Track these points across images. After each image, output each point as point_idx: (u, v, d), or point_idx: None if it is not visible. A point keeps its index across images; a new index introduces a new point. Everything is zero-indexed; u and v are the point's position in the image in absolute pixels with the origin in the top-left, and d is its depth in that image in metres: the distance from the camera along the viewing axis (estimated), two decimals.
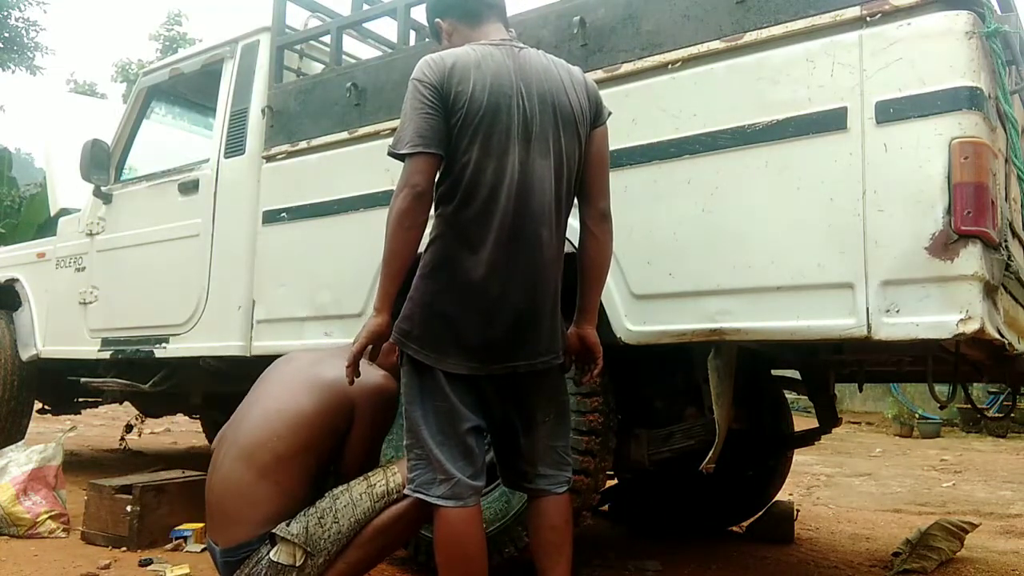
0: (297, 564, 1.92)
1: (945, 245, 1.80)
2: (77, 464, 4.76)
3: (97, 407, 5.41)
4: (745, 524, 3.56)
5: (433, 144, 1.77)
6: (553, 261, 1.86)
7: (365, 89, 2.97)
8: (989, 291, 1.82)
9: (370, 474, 2.05)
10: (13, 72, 15.30)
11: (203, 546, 2.76)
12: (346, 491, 2.00)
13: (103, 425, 7.47)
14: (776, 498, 3.54)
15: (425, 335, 1.80)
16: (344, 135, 3.02)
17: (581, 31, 2.43)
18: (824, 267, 1.96)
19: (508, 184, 1.78)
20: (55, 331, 4.11)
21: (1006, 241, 1.95)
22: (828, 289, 1.95)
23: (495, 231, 1.77)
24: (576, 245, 1.97)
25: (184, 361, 3.57)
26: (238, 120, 3.42)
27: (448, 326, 1.78)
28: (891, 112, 1.89)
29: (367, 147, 2.93)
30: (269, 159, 3.30)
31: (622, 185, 2.26)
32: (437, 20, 2.03)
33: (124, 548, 2.82)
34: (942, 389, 2.70)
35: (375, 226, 2.81)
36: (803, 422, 3.69)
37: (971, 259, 1.78)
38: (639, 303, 2.24)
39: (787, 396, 3.57)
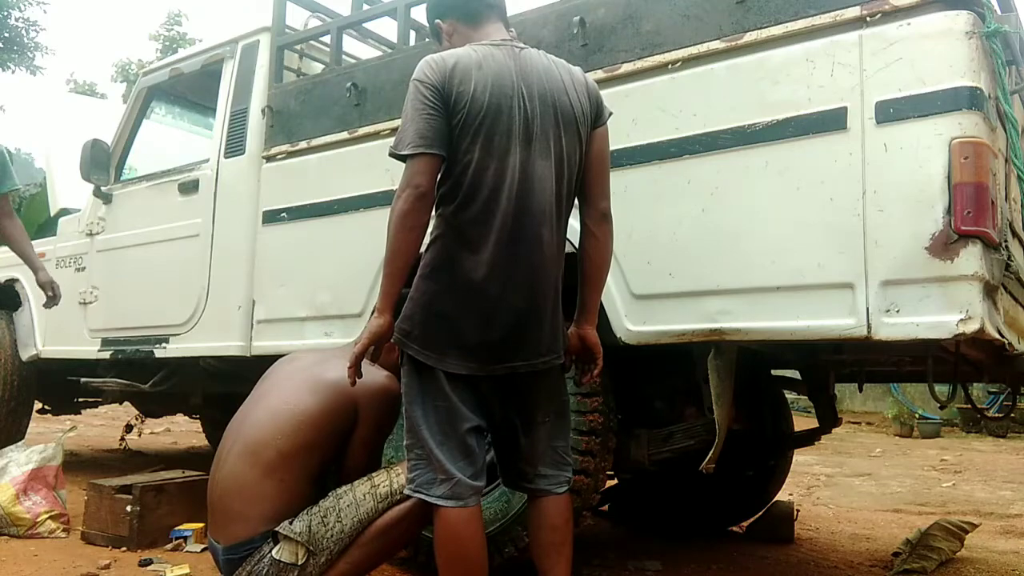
0: (299, 562, 1.92)
1: (945, 245, 1.80)
2: (77, 464, 4.76)
3: (97, 407, 5.41)
4: (745, 524, 3.56)
5: (435, 145, 1.77)
6: (554, 261, 1.86)
7: (365, 89, 2.97)
8: (989, 291, 1.82)
9: (374, 475, 2.05)
10: (13, 72, 15.32)
11: (203, 546, 2.76)
12: (350, 491, 2.01)
13: (103, 425, 7.47)
14: (776, 498, 3.54)
15: (425, 335, 1.80)
16: (344, 135, 3.02)
17: (581, 31, 2.43)
18: (824, 267, 1.96)
19: (509, 185, 1.78)
20: (55, 331, 4.11)
21: (1006, 241, 1.95)
22: (828, 289, 1.95)
23: (496, 232, 1.77)
24: (576, 245, 1.97)
25: (184, 361, 3.57)
26: (238, 120, 3.42)
27: (448, 326, 1.79)
28: (891, 112, 1.89)
29: (367, 147, 2.93)
30: (269, 159, 3.30)
31: (622, 185, 2.26)
32: (437, 21, 2.03)
33: (124, 548, 2.82)
34: (942, 389, 2.70)
35: (375, 226, 2.82)
36: (803, 422, 3.69)
37: (971, 259, 1.78)
38: (639, 303, 2.24)
39: (787, 396, 3.57)
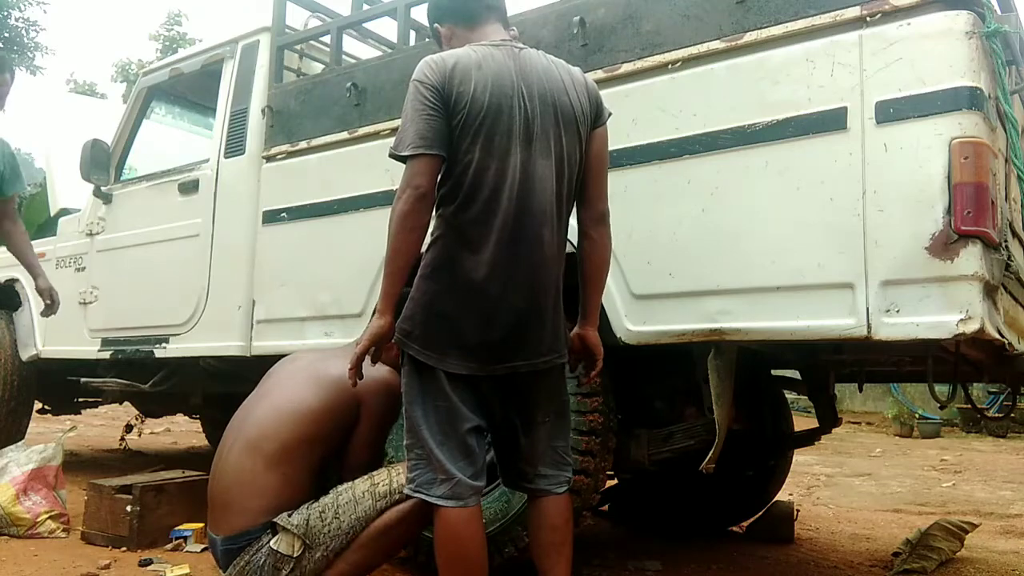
0: (295, 555, 1.94)
1: (945, 245, 1.80)
2: (77, 464, 4.76)
3: (97, 407, 5.40)
4: (745, 524, 3.56)
5: (435, 145, 1.77)
6: (554, 261, 1.86)
7: (365, 89, 2.97)
8: (989, 291, 1.82)
9: (374, 473, 2.06)
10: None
11: (203, 546, 2.76)
12: (350, 488, 2.01)
13: (103, 425, 7.47)
14: (776, 498, 3.54)
15: (426, 335, 1.80)
16: (344, 135, 3.02)
17: (581, 31, 2.43)
18: (824, 267, 1.96)
19: (510, 185, 1.78)
20: (55, 331, 4.11)
21: (1006, 241, 1.95)
22: (828, 289, 1.95)
23: (496, 232, 1.77)
24: (576, 245, 1.97)
25: (184, 361, 3.57)
26: (238, 120, 3.42)
27: (449, 327, 1.79)
28: (891, 112, 1.89)
29: (367, 147, 2.93)
30: (269, 159, 3.30)
31: (622, 185, 2.26)
32: (436, 25, 2.04)
33: (124, 548, 2.82)
34: (942, 389, 2.70)
35: (375, 226, 2.82)
36: (803, 422, 3.69)
37: (971, 259, 1.78)
38: (639, 303, 2.24)
39: (787, 396, 3.57)
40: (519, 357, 1.81)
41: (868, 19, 1.96)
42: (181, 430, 7.49)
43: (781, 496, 3.64)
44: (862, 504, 4.79)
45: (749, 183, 2.09)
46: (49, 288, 3.44)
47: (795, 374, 3.15)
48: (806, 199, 2.00)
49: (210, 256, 3.43)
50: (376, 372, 2.07)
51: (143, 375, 3.77)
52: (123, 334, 3.77)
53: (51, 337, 4.14)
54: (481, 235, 1.78)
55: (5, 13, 15.04)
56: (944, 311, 1.80)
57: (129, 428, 5.72)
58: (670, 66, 2.26)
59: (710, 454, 2.24)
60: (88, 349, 3.89)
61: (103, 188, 3.92)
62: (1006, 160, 2.08)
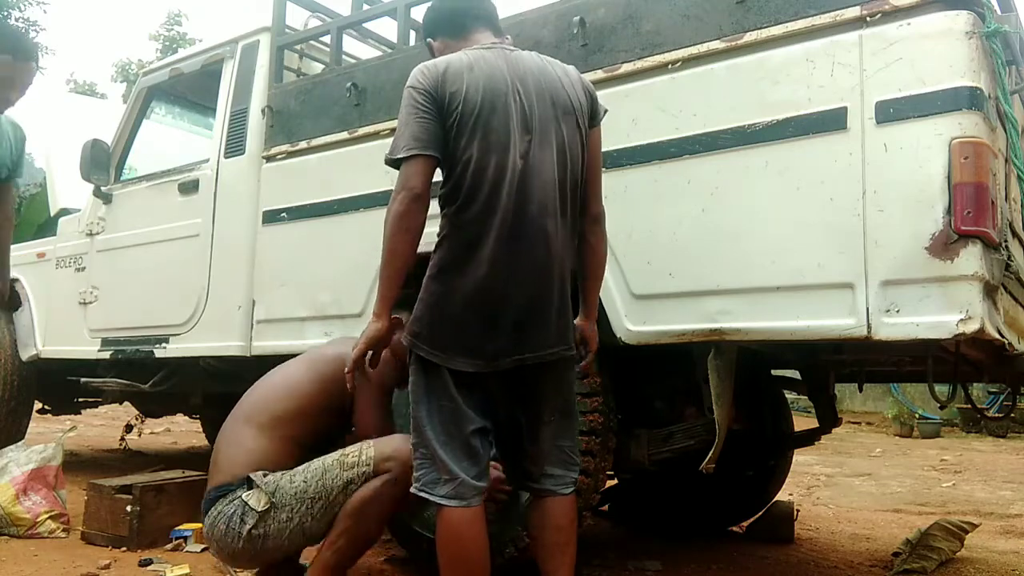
0: (260, 509, 2.05)
1: (945, 245, 1.80)
2: (77, 464, 4.76)
3: (97, 407, 5.40)
4: (745, 524, 3.56)
5: (429, 146, 1.79)
6: (560, 253, 1.85)
7: (365, 89, 2.97)
8: (989, 291, 1.82)
9: (348, 448, 2.13)
10: None
11: (203, 546, 2.76)
12: (321, 459, 2.11)
13: (103, 425, 7.47)
14: (776, 498, 3.54)
15: (433, 336, 1.80)
16: (344, 135, 3.02)
17: (581, 31, 2.43)
18: (824, 267, 1.96)
19: (510, 180, 1.79)
20: (55, 331, 4.11)
21: (1006, 241, 1.95)
22: (828, 289, 1.95)
23: (496, 229, 1.77)
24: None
25: (184, 361, 3.57)
26: (238, 120, 3.42)
27: (455, 326, 1.79)
28: (891, 112, 1.89)
29: (367, 147, 2.93)
30: (269, 159, 3.30)
31: (622, 185, 2.26)
32: (429, 40, 2.09)
33: (124, 548, 2.82)
34: (942, 389, 2.70)
35: (375, 226, 2.81)
36: (803, 422, 3.69)
37: (971, 259, 1.78)
38: (639, 303, 2.24)
39: (787, 396, 3.57)
40: (526, 350, 1.81)
41: (868, 19, 1.96)
42: (181, 430, 7.50)
43: (781, 496, 3.64)
44: (862, 504, 4.79)
45: (749, 183, 2.09)
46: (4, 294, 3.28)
47: (795, 374, 3.15)
48: (806, 199, 2.00)
49: (210, 256, 3.43)
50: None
51: (143, 375, 3.77)
52: (123, 334, 3.76)
53: (51, 337, 4.14)
54: (482, 233, 1.78)
55: (5, 13, 15.03)
56: (944, 311, 1.80)
57: (129, 428, 5.72)
58: (670, 66, 2.26)
59: (710, 454, 2.24)
60: (88, 349, 3.89)
61: (103, 188, 3.92)
62: (1006, 160, 2.08)
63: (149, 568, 2.61)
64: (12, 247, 3.55)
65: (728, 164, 2.12)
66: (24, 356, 4.20)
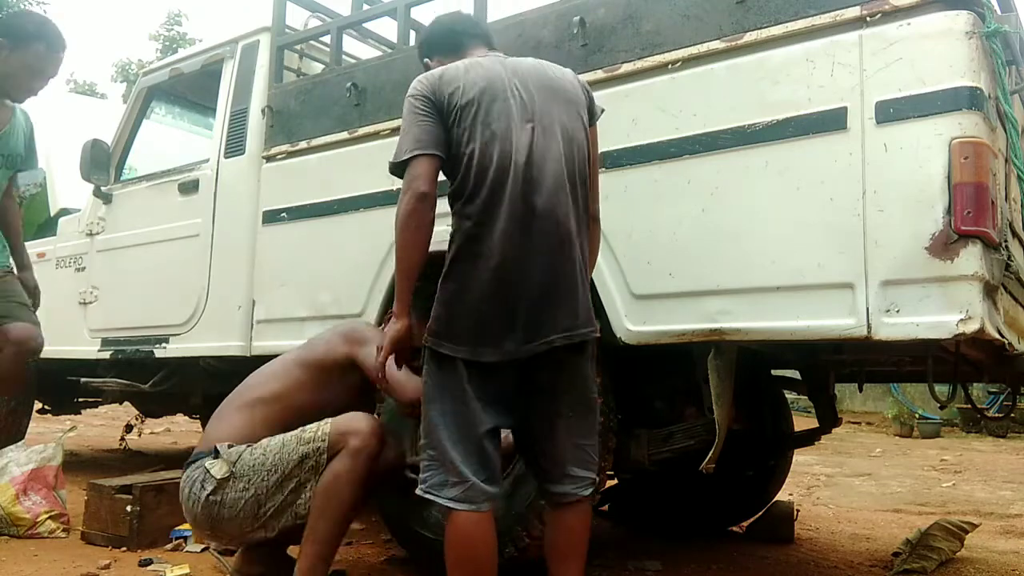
0: (219, 477, 2.15)
1: (945, 245, 1.80)
2: (77, 464, 4.76)
3: (97, 407, 5.40)
4: (745, 524, 3.56)
5: (430, 146, 1.82)
6: (575, 235, 1.84)
7: (365, 89, 2.97)
8: (989, 291, 1.82)
9: (308, 425, 2.20)
10: None
11: (203, 546, 2.76)
12: (282, 434, 2.21)
13: (103, 425, 7.47)
14: (776, 498, 3.54)
15: (456, 331, 1.79)
16: (344, 135, 3.02)
17: (581, 31, 2.43)
18: (824, 267, 1.96)
19: (515, 168, 1.80)
20: (55, 331, 4.10)
21: (1006, 241, 1.95)
22: (828, 289, 1.95)
23: (505, 215, 1.77)
24: None
25: (184, 361, 3.57)
26: (238, 120, 3.42)
27: (476, 318, 1.78)
28: (891, 112, 1.89)
29: (367, 147, 2.94)
30: (269, 159, 3.30)
31: (622, 185, 2.26)
32: (426, 61, 2.14)
33: (124, 548, 2.81)
34: (942, 389, 2.70)
35: (375, 226, 2.83)
36: (803, 422, 3.69)
37: (971, 259, 1.78)
38: (639, 303, 2.24)
39: (787, 396, 3.57)
40: (553, 331, 1.79)
41: (868, 19, 1.96)
42: (181, 430, 7.50)
43: (781, 496, 3.64)
44: (862, 504, 4.79)
45: (749, 183, 2.09)
46: (36, 287, 3.23)
47: (795, 374, 3.15)
48: (806, 199, 2.00)
49: (210, 256, 3.43)
50: (357, 332, 2.31)
51: (143, 375, 3.77)
52: (123, 334, 3.77)
53: (51, 337, 4.12)
54: (491, 221, 1.77)
55: (5, 13, 15.03)
56: (944, 311, 1.80)
57: (129, 428, 5.72)
58: (670, 66, 2.26)
59: (710, 454, 2.24)
60: (88, 349, 3.89)
61: (103, 188, 3.92)
62: (1006, 160, 2.08)
63: (149, 568, 2.61)
64: None
65: (728, 164, 2.12)
66: None
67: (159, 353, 3.59)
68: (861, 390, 3.44)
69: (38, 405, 4.70)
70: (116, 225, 3.91)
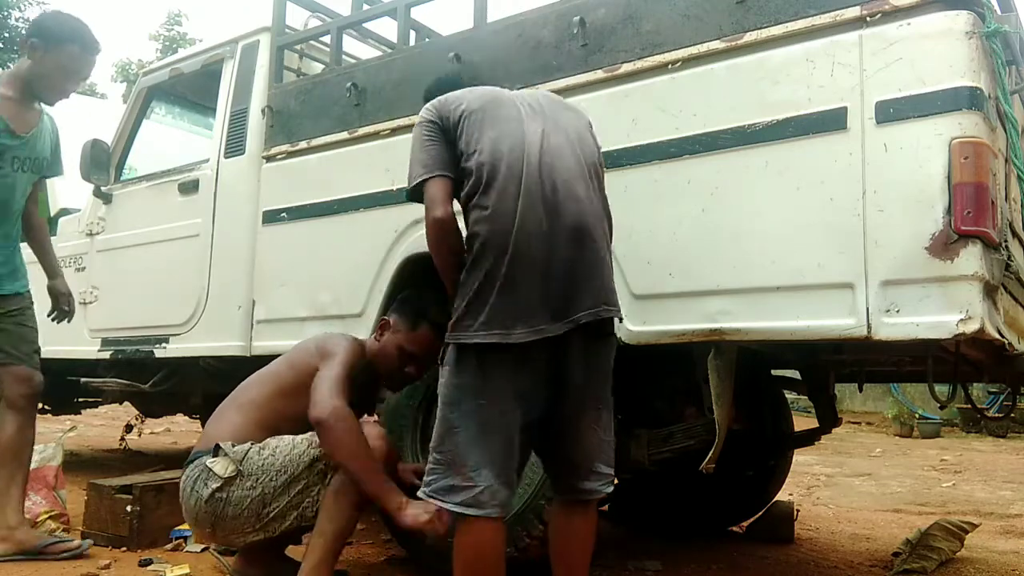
0: (225, 475, 2.16)
1: (945, 245, 1.80)
2: (77, 464, 4.76)
3: (97, 407, 5.41)
4: (745, 524, 3.56)
5: (436, 168, 1.86)
6: (594, 217, 1.85)
7: (365, 89, 2.97)
8: (989, 291, 1.82)
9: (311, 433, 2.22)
10: None
11: (203, 546, 2.76)
12: (292, 436, 2.25)
13: (103, 425, 7.47)
14: (776, 498, 3.54)
15: (484, 317, 1.75)
16: (344, 135, 3.02)
17: (581, 31, 2.43)
18: (824, 267, 1.95)
19: (528, 155, 1.82)
20: (55, 331, 4.09)
21: (1006, 241, 1.95)
22: (828, 289, 1.95)
23: (522, 202, 1.77)
24: None
25: (184, 361, 3.57)
26: (238, 120, 3.42)
27: (506, 301, 1.75)
28: (891, 112, 1.89)
29: (367, 147, 2.94)
30: (269, 159, 3.30)
31: (622, 185, 2.26)
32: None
33: (124, 548, 2.82)
34: (942, 389, 2.70)
35: (375, 226, 2.83)
36: (803, 422, 3.69)
37: (971, 259, 1.78)
38: (639, 303, 2.24)
39: (787, 396, 3.57)
40: (581, 307, 1.78)
41: (868, 19, 1.96)
42: (181, 430, 7.50)
43: (781, 496, 3.64)
44: (862, 504, 4.79)
45: (749, 183, 2.09)
46: (68, 293, 3.08)
47: (795, 374, 3.15)
48: (806, 199, 2.00)
49: (210, 256, 3.43)
50: (328, 345, 2.33)
51: (143, 375, 3.77)
52: (123, 334, 3.76)
53: (51, 337, 4.11)
54: (509, 209, 1.76)
55: (5, 13, 15.05)
56: (944, 311, 1.80)
57: (129, 428, 5.72)
58: (670, 66, 2.26)
59: (710, 454, 2.24)
60: (88, 349, 3.89)
61: (103, 188, 3.92)
62: (1006, 160, 2.08)
63: (149, 568, 2.61)
64: None
65: (728, 164, 2.12)
66: None
67: (159, 353, 3.59)
68: (861, 390, 3.44)
69: (38, 405, 4.69)
70: (116, 225, 3.91)
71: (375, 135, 2.91)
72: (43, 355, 4.08)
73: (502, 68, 2.59)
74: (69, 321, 3.13)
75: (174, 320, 3.51)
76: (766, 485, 3.46)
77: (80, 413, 5.33)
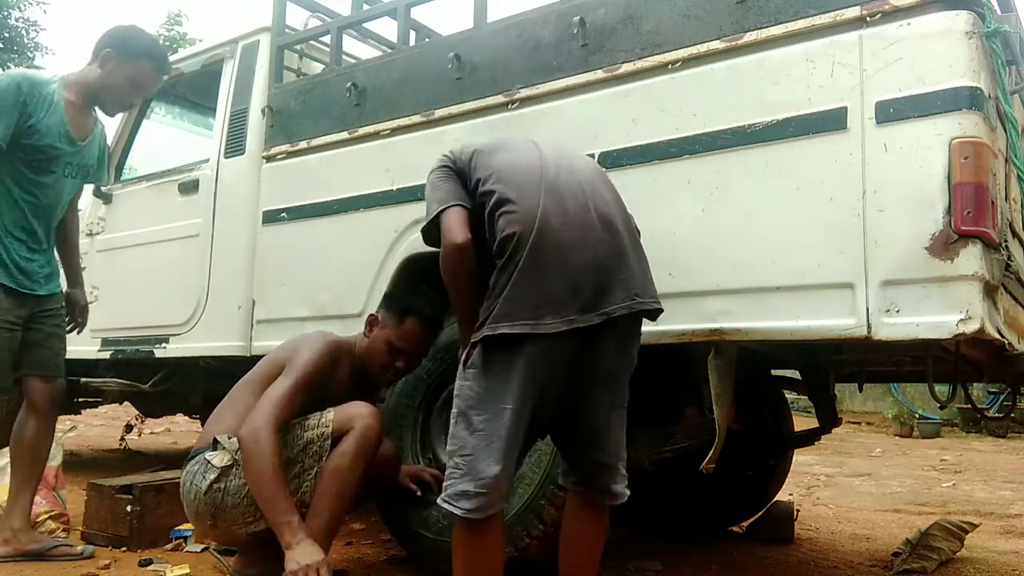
0: (221, 466, 2.21)
1: (945, 245, 1.80)
2: (77, 464, 4.76)
3: (97, 407, 5.40)
4: (745, 524, 3.56)
5: (451, 199, 1.87)
6: (620, 211, 1.90)
7: (365, 89, 2.97)
8: (989, 291, 1.82)
9: (309, 415, 2.27)
10: None
11: (203, 546, 2.76)
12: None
13: (103, 425, 7.47)
14: (776, 498, 3.54)
15: (515, 308, 1.73)
16: (344, 135, 3.02)
17: (581, 31, 2.43)
18: (824, 267, 1.95)
19: (544, 168, 1.86)
20: None
21: (1006, 241, 1.95)
22: (828, 289, 1.95)
23: (544, 206, 1.78)
24: None
25: (184, 361, 3.57)
26: (238, 120, 3.43)
27: (536, 290, 1.74)
28: (891, 112, 1.89)
29: (367, 147, 2.94)
30: (269, 159, 3.30)
31: (622, 185, 2.24)
32: None
33: (124, 548, 2.82)
34: (942, 389, 2.70)
35: (375, 226, 2.83)
36: (803, 422, 3.69)
37: (971, 259, 1.78)
38: None
39: (787, 396, 3.57)
40: (615, 299, 1.78)
41: (868, 19, 1.96)
42: (181, 430, 7.49)
43: (781, 496, 3.64)
44: (862, 504, 4.79)
45: (749, 183, 2.09)
46: (86, 306, 3.03)
47: (795, 374, 3.15)
48: (806, 199, 2.00)
49: (210, 256, 3.43)
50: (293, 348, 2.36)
51: (143, 375, 3.77)
52: (123, 334, 3.76)
53: None
54: (532, 213, 1.77)
55: (5, 13, 15.04)
56: (944, 311, 1.80)
57: (129, 428, 5.72)
58: (670, 66, 2.26)
59: (710, 454, 2.24)
60: (88, 349, 3.89)
61: (103, 188, 3.92)
62: (1006, 160, 2.08)
63: (149, 568, 2.61)
64: None
65: (728, 164, 2.12)
66: None
67: (159, 353, 3.59)
68: (861, 390, 3.44)
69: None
70: (116, 225, 3.91)
71: (375, 135, 2.91)
72: None
73: (502, 68, 2.60)
74: (79, 333, 3.12)
75: (174, 320, 3.51)
76: (766, 485, 3.46)
77: (80, 413, 5.32)
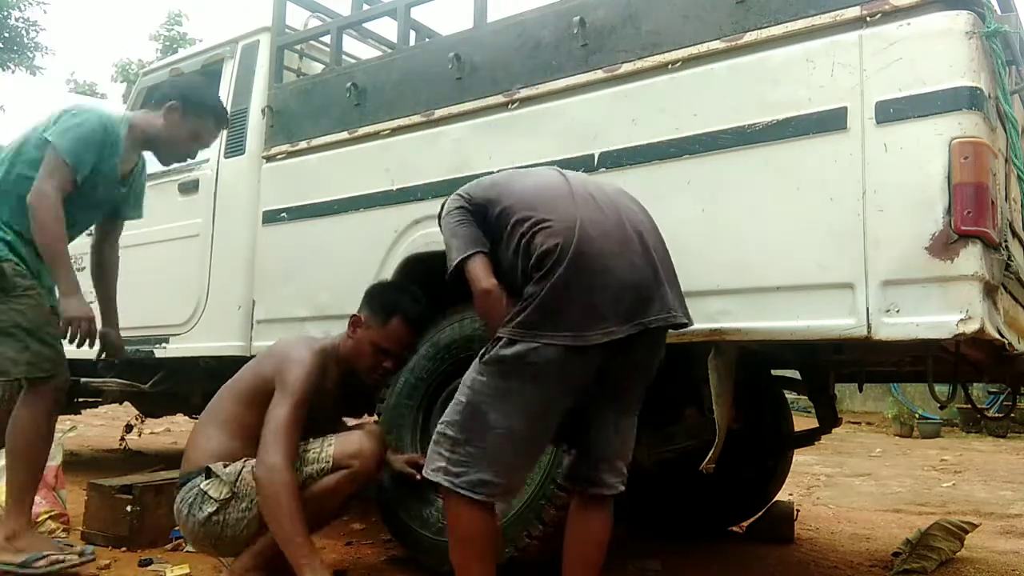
0: (220, 498, 2.17)
1: (945, 245, 1.80)
2: (77, 464, 4.76)
3: (97, 407, 5.40)
4: (745, 524, 3.55)
5: (472, 246, 1.86)
6: (651, 223, 1.92)
7: (365, 89, 2.97)
8: (989, 291, 1.82)
9: (309, 444, 2.24)
10: (13, 72, 15.34)
11: None
12: None
13: (103, 425, 7.47)
14: (776, 498, 3.54)
15: (554, 320, 1.73)
16: (344, 135, 3.02)
17: (581, 31, 2.43)
18: (824, 267, 1.96)
19: (571, 184, 1.88)
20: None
21: (1006, 241, 1.95)
22: (828, 289, 1.95)
23: (579, 220, 1.77)
24: None
25: (184, 361, 3.57)
26: (238, 120, 3.42)
27: (580, 301, 1.73)
28: (891, 112, 1.89)
29: (367, 147, 2.94)
30: (269, 159, 3.30)
31: (621, 185, 2.25)
32: None
33: (124, 548, 2.81)
34: (942, 389, 2.70)
35: (375, 226, 2.83)
36: (803, 422, 3.69)
37: (971, 259, 1.78)
38: None
39: (787, 396, 3.57)
40: (652, 311, 1.78)
41: (868, 19, 1.96)
42: (181, 430, 7.49)
43: (781, 496, 3.64)
44: (862, 504, 4.79)
45: (749, 183, 2.09)
46: (122, 347, 3.09)
47: (795, 374, 3.15)
48: (806, 199, 2.00)
49: (210, 256, 3.43)
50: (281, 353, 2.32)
51: (143, 375, 3.77)
52: (123, 334, 3.75)
53: None
54: (568, 228, 1.76)
55: (5, 13, 15.04)
56: (944, 311, 1.80)
57: (129, 428, 5.72)
58: (670, 66, 2.26)
59: (710, 454, 2.24)
60: (88, 349, 3.87)
61: None
62: (1006, 160, 2.08)
63: (149, 568, 2.61)
64: None
65: (728, 164, 2.12)
66: None
67: (159, 353, 3.59)
68: (861, 390, 3.44)
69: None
70: None
71: (375, 135, 2.91)
72: None
73: (502, 68, 2.60)
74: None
75: (174, 320, 3.51)
76: (766, 485, 3.46)
77: (80, 413, 5.33)
